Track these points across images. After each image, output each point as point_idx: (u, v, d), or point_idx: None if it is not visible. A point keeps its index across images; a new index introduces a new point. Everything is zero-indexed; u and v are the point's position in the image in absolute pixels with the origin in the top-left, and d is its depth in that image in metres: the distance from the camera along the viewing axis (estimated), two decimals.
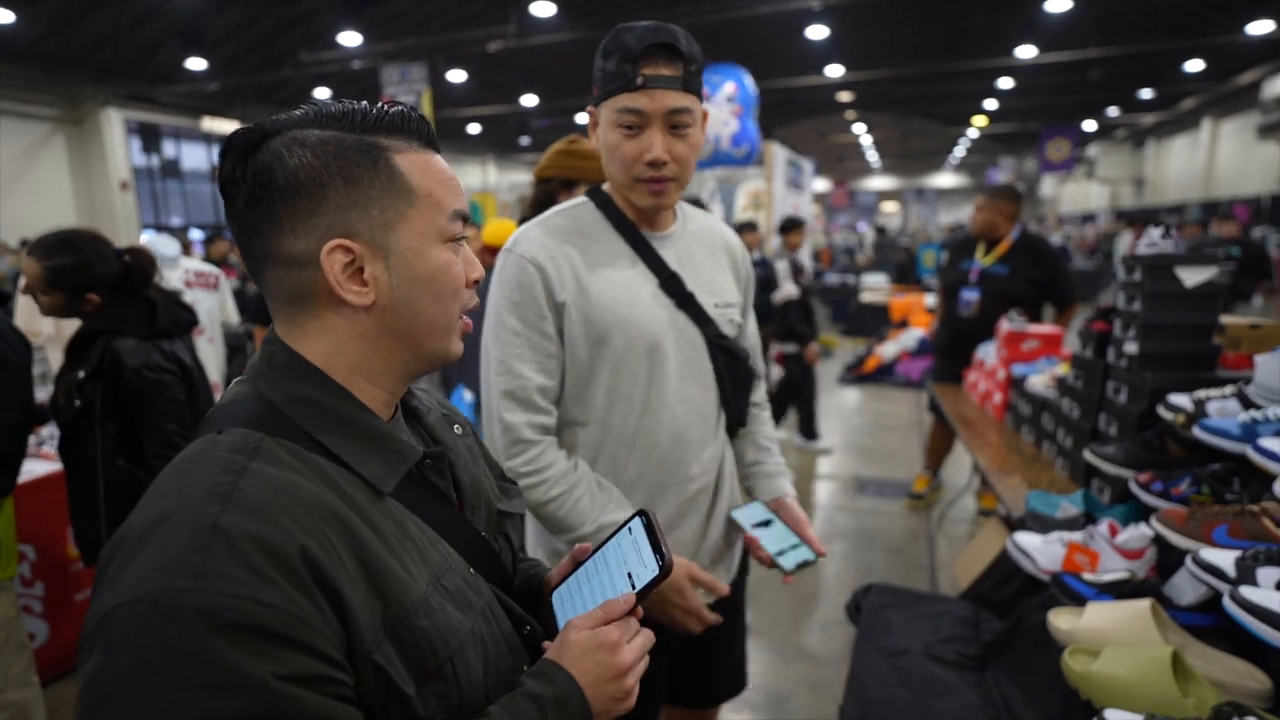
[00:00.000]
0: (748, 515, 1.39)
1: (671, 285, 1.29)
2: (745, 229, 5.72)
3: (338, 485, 0.64)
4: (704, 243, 1.39)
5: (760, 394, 1.54)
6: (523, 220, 2.49)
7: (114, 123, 13.47)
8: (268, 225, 0.65)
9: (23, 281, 3.07)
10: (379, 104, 0.69)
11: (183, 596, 0.51)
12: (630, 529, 0.82)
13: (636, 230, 1.29)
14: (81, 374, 1.79)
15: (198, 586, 0.51)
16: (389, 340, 0.69)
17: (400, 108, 0.70)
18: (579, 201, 1.33)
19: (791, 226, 5.40)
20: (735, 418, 1.42)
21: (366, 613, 0.59)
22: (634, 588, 0.77)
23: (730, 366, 1.36)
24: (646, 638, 0.77)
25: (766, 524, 1.37)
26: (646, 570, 0.77)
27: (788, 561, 1.29)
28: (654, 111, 1.16)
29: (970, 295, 3.63)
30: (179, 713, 0.49)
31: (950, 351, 3.75)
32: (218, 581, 0.52)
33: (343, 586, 0.57)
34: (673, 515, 1.33)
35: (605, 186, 1.32)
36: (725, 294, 1.36)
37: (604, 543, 0.84)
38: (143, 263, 1.89)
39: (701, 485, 1.35)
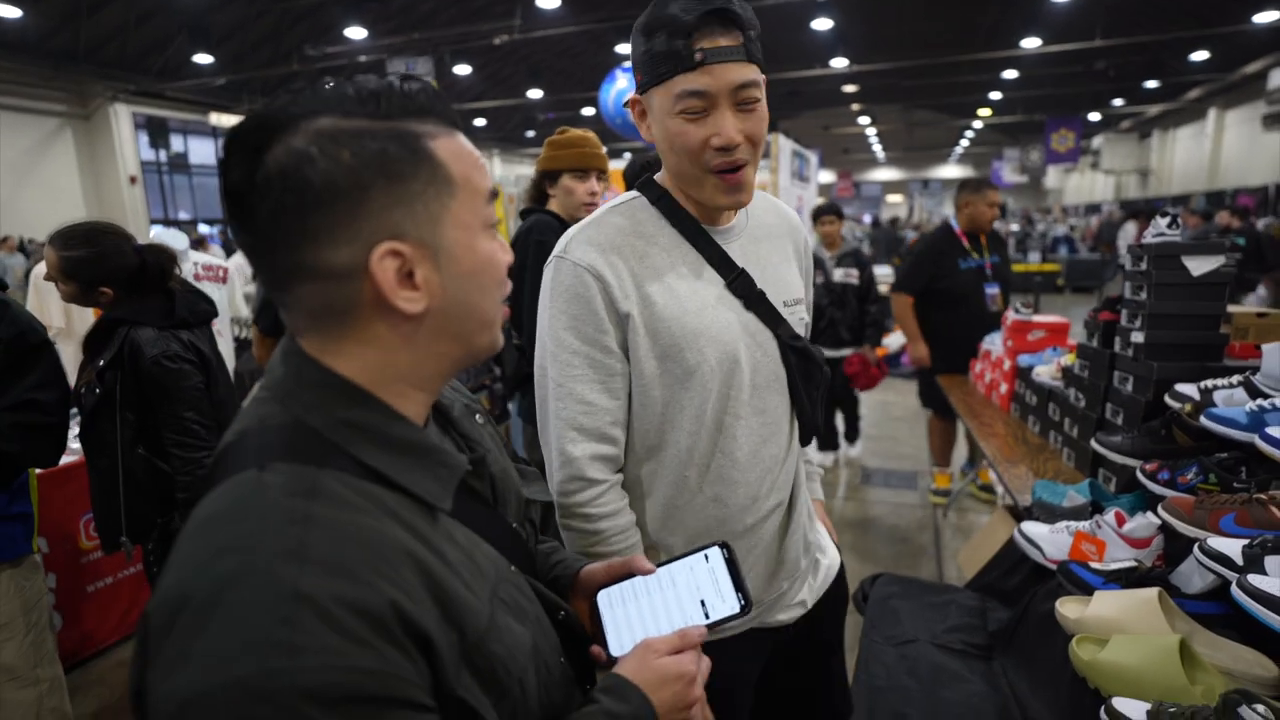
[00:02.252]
0: None
1: (739, 284, 1.15)
2: (825, 215, 4.51)
3: (398, 514, 0.59)
4: (768, 232, 1.24)
5: None
6: (522, 213, 2.52)
7: (122, 117, 13.53)
8: (299, 237, 0.57)
9: (40, 269, 3.10)
10: (397, 81, 0.62)
11: (282, 678, 0.46)
12: (708, 556, 0.82)
13: (697, 225, 1.15)
14: (101, 362, 1.82)
15: (296, 665, 0.47)
16: (441, 342, 0.64)
17: (422, 84, 0.63)
18: (631, 197, 1.18)
19: (821, 214, 4.51)
20: (810, 425, 1.26)
21: (447, 649, 0.56)
22: (707, 617, 0.77)
23: (804, 370, 1.21)
24: (707, 669, 0.76)
25: None
26: (725, 605, 0.77)
27: None
28: (719, 90, 1.01)
29: (994, 289, 3.75)
30: None
31: (969, 346, 3.56)
32: (316, 657, 0.47)
33: (430, 630, 0.55)
34: (747, 535, 1.20)
35: (658, 177, 1.18)
36: (793, 290, 1.23)
37: (672, 560, 0.83)
38: (160, 259, 1.94)
39: (777, 501, 1.22)
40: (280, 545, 0.51)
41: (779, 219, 1.29)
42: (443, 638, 0.56)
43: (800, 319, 1.23)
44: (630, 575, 0.84)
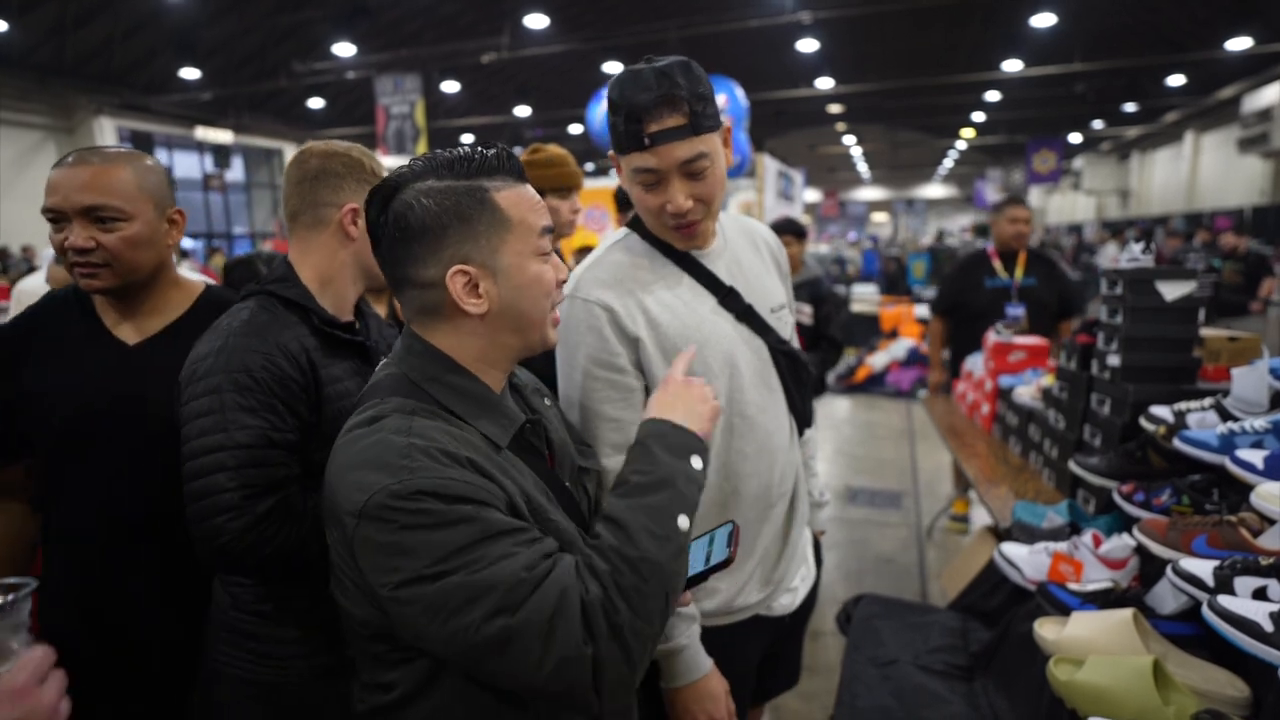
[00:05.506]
0: None
1: (729, 300, 1.31)
2: (782, 235, 3.56)
3: (469, 437, 0.86)
4: (747, 248, 1.41)
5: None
6: None
7: (106, 131, 13.45)
8: (406, 259, 0.86)
9: (26, 282, 3.05)
10: (478, 149, 0.88)
11: (407, 483, 0.76)
12: (716, 535, 1.01)
13: (685, 254, 1.30)
14: None
15: (413, 476, 0.77)
16: (502, 335, 0.91)
17: (495, 150, 0.89)
18: (624, 234, 1.34)
19: (778, 234, 3.87)
20: (802, 420, 1.46)
21: (515, 493, 0.84)
22: (707, 563, 0.96)
23: (793, 371, 1.38)
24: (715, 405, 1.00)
25: None
26: (718, 554, 0.96)
27: None
28: (667, 167, 1.16)
29: (1017, 310, 3.59)
30: (437, 544, 0.75)
31: None
32: (424, 471, 0.77)
33: (498, 478, 0.83)
34: (757, 523, 1.35)
35: None
36: (775, 297, 1.39)
37: (697, 538, 1.02)
38: None
39: (782, 491, 1.38)
40: (396, 428, 0.82)
41: (752, 234, 1.46)
42: (513, 488, 0.84)
43: (785, 322, 1.39)
44: None
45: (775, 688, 1.66)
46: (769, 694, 1.67)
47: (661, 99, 1.12)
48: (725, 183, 1.25)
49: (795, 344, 1.47)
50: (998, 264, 3.71)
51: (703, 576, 0.94)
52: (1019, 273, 3.66)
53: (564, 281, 0.93)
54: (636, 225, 1.32)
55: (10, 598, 0.68)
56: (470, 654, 0.76)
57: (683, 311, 1.26)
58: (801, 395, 1.42)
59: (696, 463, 0.90)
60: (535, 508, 0.87)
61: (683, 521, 0.84)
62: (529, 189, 0.91)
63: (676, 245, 1.29)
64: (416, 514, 0.75)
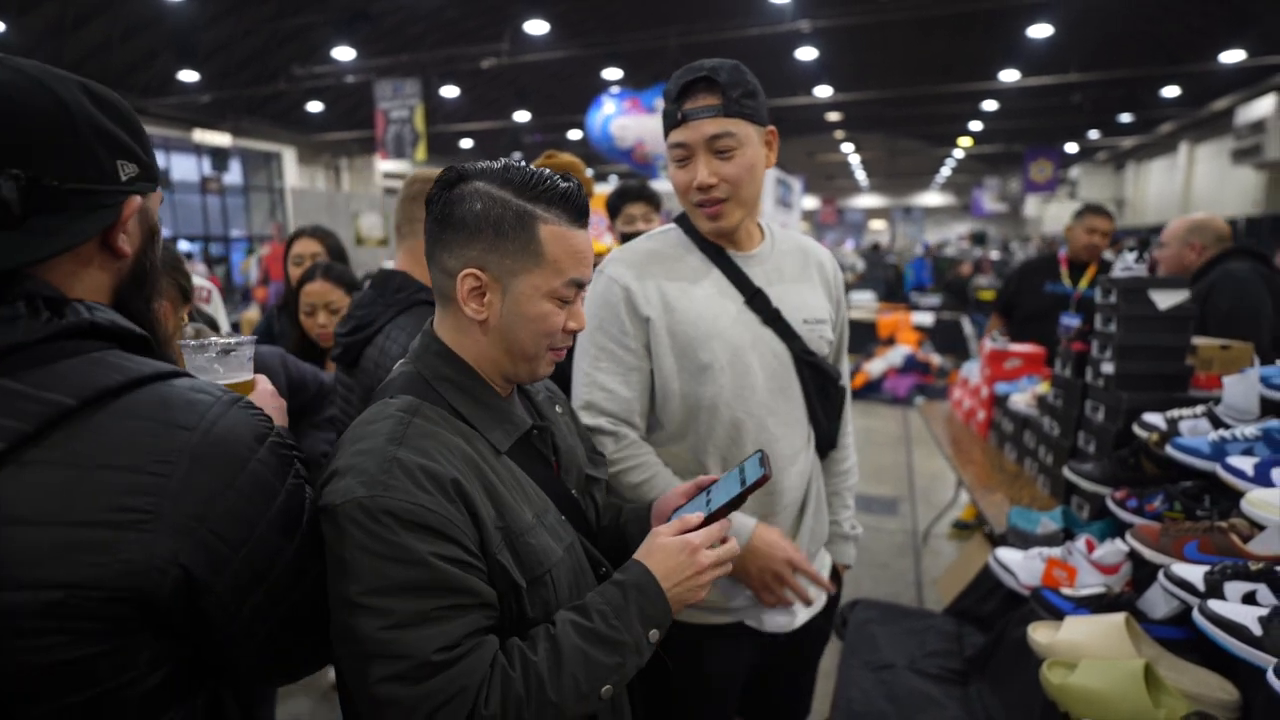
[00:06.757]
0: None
1: (756, 302, 1.34)
2: None
3: (471, 440, 0.89)
4: (795, 260, 1.42)
5: (848, 425, 1.54)
6: None
7: None
8: (438, 240, 0.91)
9: None
10: (550, 177, 0.91)
11: (377, 500, 0.78)
12: (746, 465, 1.03)
13: (721, 251, 1.35)
14: None
15: (386, 494, 0.78)
16: (495, 350, 0.93)
17: (567, 186, 0.91)
18: (669, 227, 1.41)
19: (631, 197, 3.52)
20: (825, 436, 1.44)
21: (492, 526, 0.84)
22: (744, 484, 0.97)
23: (818, 383, 1.39)
24: (730, 550, 0.95)
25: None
26: (751, 477, 0.98)
27: None
28: (695, 141, 1.24)
29: (1072, 321, 3.46)
30: (375, 574, 0.77)
31: None
32: (399, 492, 0.79)
33: (478, 505, 0.83)
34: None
35: None
36: (815, 310, 1.39)
37: (726, 475, 1.05)
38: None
39: (789, 500, 1.36)
40: (390, 435, 0.84)
41: (807, 252, 1.46)
42: (488, 516, 0.84)
43: (821, 336, 1.39)
44: (700, 491, 1.08)
45: (789, 717, 1.58)
46: None
47: (698, 80, 1.23)
48: (758, 177, 1.29)
49: (839, 361, 1.50)
50: (1064, 270, 3.57)
51: (741, 498, 0.97)
52: (1084, 283, 3.47)
53: (575, 331, 0.95)
54: (683, 221, 1.39)
55: (243, 339, 0.96)
56: (358, 692, 0.78)
57: (702, 302, 1.31)
58: (826, 410, 1.41)
59: (654, 636, 0.88)
60: (514, 533, 0.86)
61: (606, 691, 0.85)
62: (581, 238, 0.92)
63: (704, 228, 1.33)
64: (373, 535, 0.77)
